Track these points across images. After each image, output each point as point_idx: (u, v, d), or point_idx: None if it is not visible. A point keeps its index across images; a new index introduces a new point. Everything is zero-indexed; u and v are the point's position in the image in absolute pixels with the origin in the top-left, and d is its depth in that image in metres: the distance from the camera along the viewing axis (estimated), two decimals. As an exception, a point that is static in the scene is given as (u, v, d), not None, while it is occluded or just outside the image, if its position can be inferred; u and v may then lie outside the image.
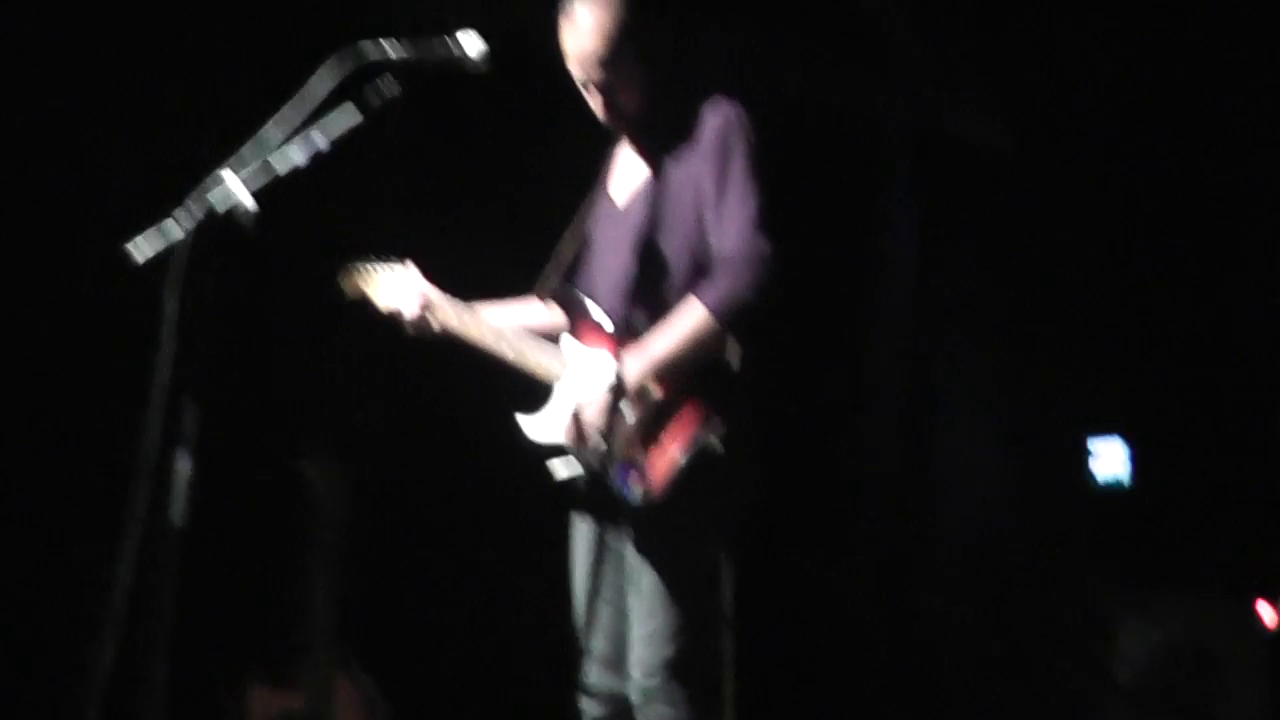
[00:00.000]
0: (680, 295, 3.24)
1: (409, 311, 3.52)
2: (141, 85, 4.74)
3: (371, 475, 4.37)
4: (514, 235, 3.71)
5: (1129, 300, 6.44)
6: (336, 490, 4.23)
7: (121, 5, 4.79)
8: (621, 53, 3.29)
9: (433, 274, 3.60)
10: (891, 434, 6.59)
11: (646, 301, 3.28)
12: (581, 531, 3.44)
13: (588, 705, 3.36)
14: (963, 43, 6.30)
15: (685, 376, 3.22)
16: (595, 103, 3.38)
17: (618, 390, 3.20)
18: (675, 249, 3.30)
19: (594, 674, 3.35)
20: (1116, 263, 6.53)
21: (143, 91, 4.74)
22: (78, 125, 4.67)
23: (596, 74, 3.32)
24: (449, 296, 3.55)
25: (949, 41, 6.27)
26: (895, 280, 6.59)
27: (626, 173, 3.50)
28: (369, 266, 3.65)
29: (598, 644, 3.34)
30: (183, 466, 2.85)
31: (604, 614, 3.32)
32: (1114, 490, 6.30)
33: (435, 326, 3.52)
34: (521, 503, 3.52)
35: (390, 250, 3.62)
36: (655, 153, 3.40)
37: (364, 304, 3.63)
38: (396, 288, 3.56)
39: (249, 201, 2.90)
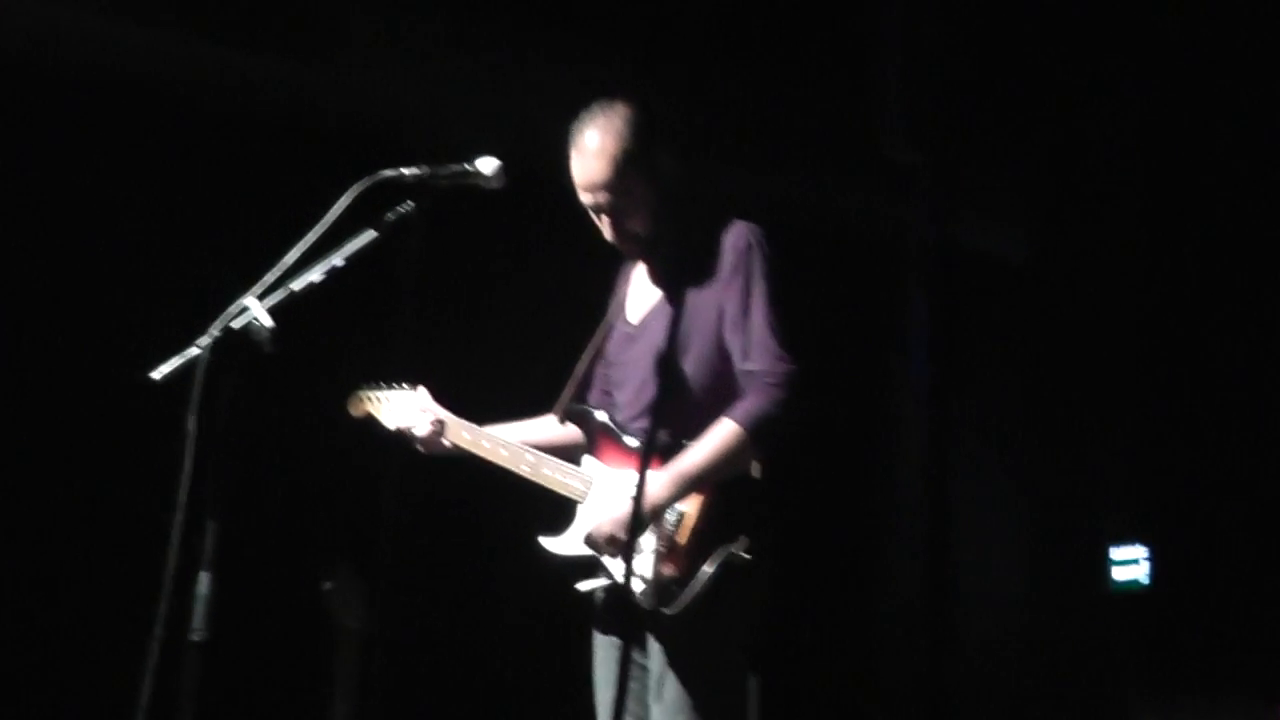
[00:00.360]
0: (699, 413, 3.26)
1: (419, 430, 3.53)
2: (172, 219, 4.88)
3: (393, 593, 4.35)
4: (531, 356, 3.73)
5: (1148, 407, 6.45)
6: (356, 605, 4.23)
7: (157, 141, 4.92)
8: (628, 179, 3.33)
9: (448, 397, 3.62)
10: (912, 545, 6.57)
11: (667, 419, 3.27)
12: (603, 644, 3.43)
13: None
14: (973, 156, 6.37)
15: (710, 491, 3.24)
16: (605, 228, 3.42)
17: (642, 504, 3.13)
18: (694, 368, 3.33)
19: None
20: (1134, 369, 6.54)
21: (173, 223, 4.87)
22: (109, 258, 4.80)
23: (604, 200, 3.36)
24: (461, 418, 3.57)
25: (958, 156, 6.34)
26: (911, 393, 6.61)
27: (641, 293, 3.53)
28: (375, 392, 3.67)
29: None
30: (204, 584, 2.85)
31: None
32: (1132, 593, 6.28)
33: (447, 444, 3.53)
34: (543, 616, 3.51)
35: (406, 371, 3.65)
36: (670, 273, 3.44)
37: (370, 424, 3.64)
38: (405, 409, 3.58)
39: (266, 320, 2.95)
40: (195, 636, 2.83)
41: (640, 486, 3.11)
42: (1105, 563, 6.38)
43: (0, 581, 4.68)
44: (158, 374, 2.92)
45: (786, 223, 3.75)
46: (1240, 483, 5.52)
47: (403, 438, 3.55)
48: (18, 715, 4.59)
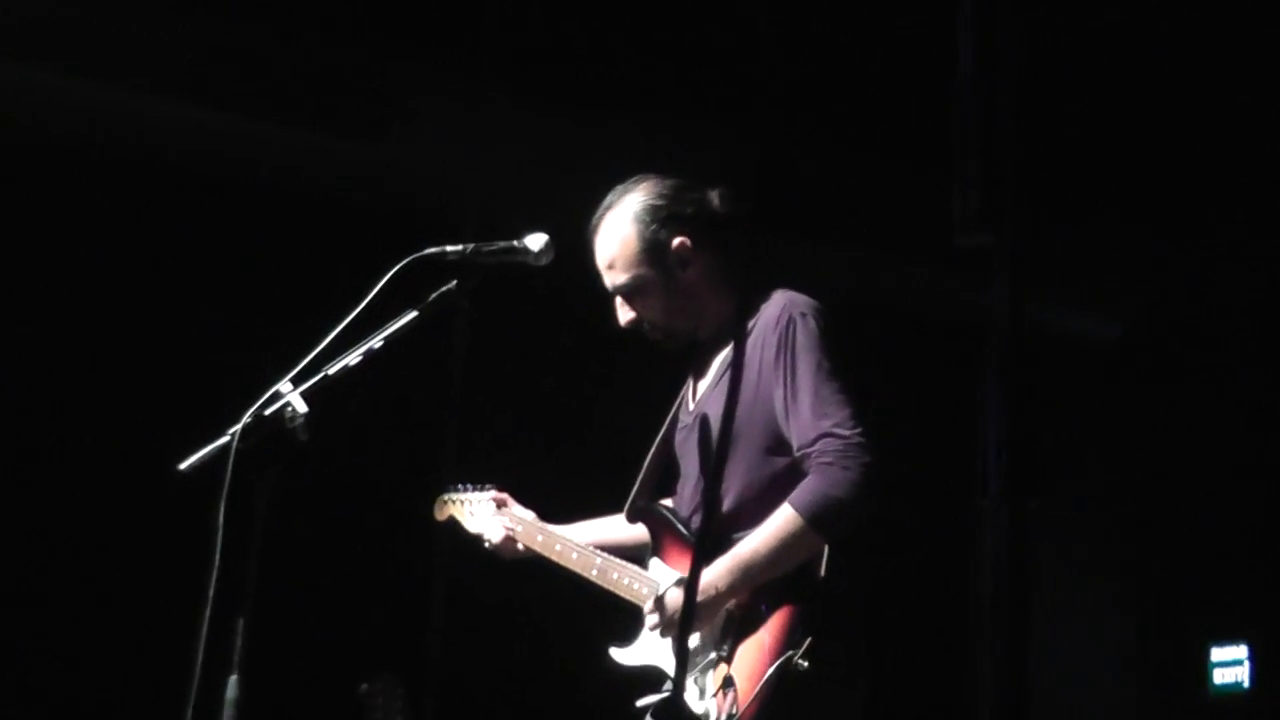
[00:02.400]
0: (764, 507, 3.15)
1: (495, 537, 3.58)
2: (209, 300, 4.91)
3: (432, 696, 4.29)
4: (604, 454, 3.70)
5: (1254, 497, 6.31)
6: (394, 710, 4.16)
7: (184, 218, 4.94)
8: (641, 267, 3.34)
9: (520, 494, 3.65)
10: (996, 642, 6.44)
11: (725, 513, 3.20)
12: None
13: None
14: (1054, 233, 6.28)
15: (772, 586, 3.13)
16: (622, 313, 3.41)
17: (694, 597, 3.11)
18: (750, 457, 3.24)
19: None
20: (1233, 462, 6.41)
21: (211, 305, 4.89)
22: (145, 340, 4.82)
23: (617, 284, 3.37)
24: (532, 516, 3.60)
25: (1034, 239, 6.25)
26: (989, 488, 6.51)
27: (701, 381, 3.48)
28: (455, 496, 3.71)
29: None
30: (232, 688, 2.79)
31: None
32: (1234, 695, 6.15)
33: (520, 549, 3.56)
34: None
35: (469, 467, 3.66)
36: (719, 357, 3.41)
37: (453, 529, 3.68)
38: (481, 514, 3.63)
39: (301, 406, 2.92)
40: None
41: (693, 578, 3.09)
42: (1206, 664, 6.27)
43: (27, 680, 4.68)
44: (185, 465, 2.89)
45: (864, 306, 3.68)
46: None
47: (479, 540, 3.62)
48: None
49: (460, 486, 3.70)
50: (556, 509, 3.61)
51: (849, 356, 3.21)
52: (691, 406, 3.46)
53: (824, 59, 5.27)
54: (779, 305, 3.26)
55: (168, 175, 5.09)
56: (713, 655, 3.16)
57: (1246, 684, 6.14)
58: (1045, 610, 6.52)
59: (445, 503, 3.72)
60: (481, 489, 3.66)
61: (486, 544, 3.59)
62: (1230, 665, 6.22)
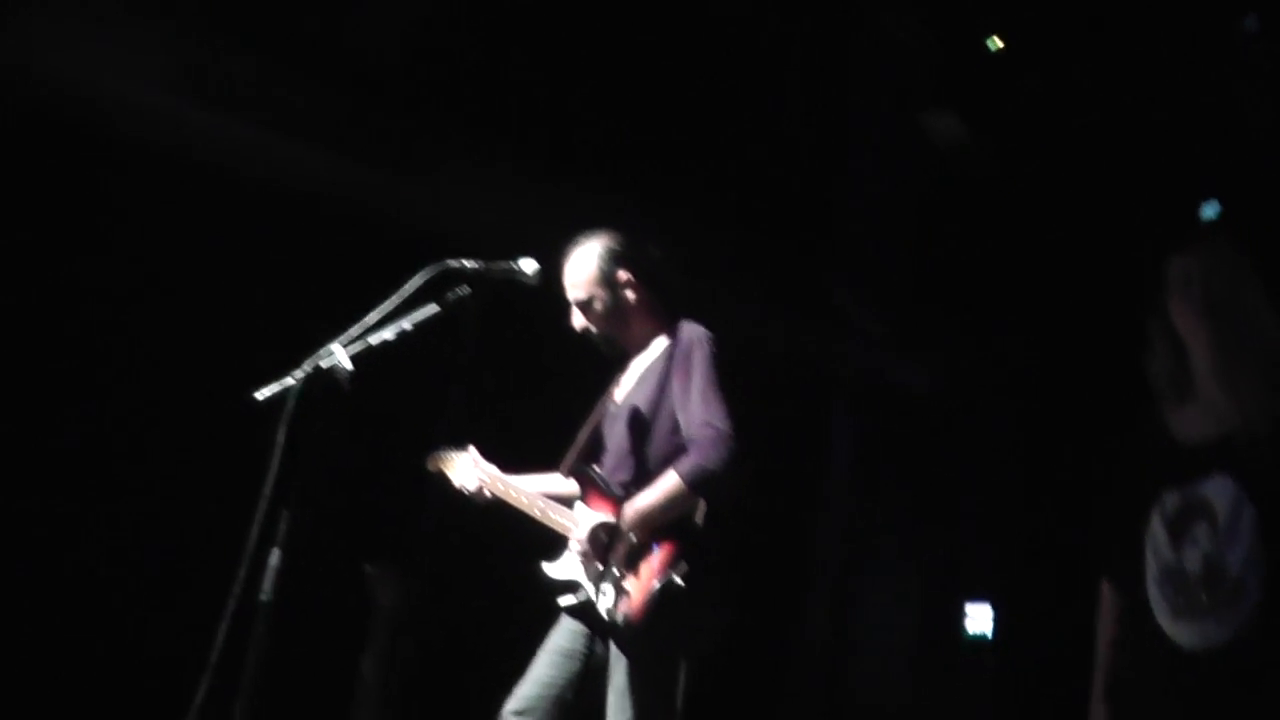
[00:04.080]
0: (660, 471, 3.23)
1: (470, 486, 3.57)
2: (289, 284, 4.95)
3: (423, 583, 4.30)
4: (549, 422, 3.74)
5: (1003, 502, 6.44)
6: (392, 589, 4.18)
7: (275, 226, 4.99)
8: (593, 287, 3.45)
9: (484, 446, 3.64)
10: (824, 599, 6.53)
11: (639, 476, 3.29)
12: (567, 623, 3.39)
13: None
14: (898, 309, 6.38)
15: (661, 527, 3.20)
16: (575, 318, 3.49)
17: (611, 533, 3.22)
18: (656, 438, 3.32)
19: (511, 704, 3.31)
20: (998, 478, 6.54)
21: (288, 288, 4.93)
22: (242, 311, 4.88)
23: (576, 297, 3.48)
24: (496, 470, 3.60)
25: (887, 307, 6.34)
26: (836, 484, 6.58)
27: (624, 381, 3.54)
28: (445, 453, 3.67)
29: (526, 688, 3.32)
30: (274, 558, 2.81)
31: (544, 677, 3.31)
32: (980, 644, 6.21)
33: (488, 495, 3.56)
34: (535, 615, 3.47)
35: (458, 426, 3.65)
36: (640, 364, 3.49)
37: (441, 479, 3.65)
38: (463, 468, 3.60)
39: (347, 364, 2.94)
40: (264, 597, 2.79)
41: (614, 521, 3.15)
42: (960, 616, 6.40)
43: (124, 548, 4.70)
44: (261, 395, 2.91)
45: (753, 349, 3.75)
46: (1067, 558, 5.51)
47: (460, 489, 3.59)
48: (123, 651, 4.58)
49: (447, 447, 3.66)
50: (513, 464, 3.63)
51: (728, 374, 3.30)
52: (619, 398, 3.52)
53: (740, 157, 5.36)
54: (688, 332, 3.36)
55: (262, 196, 5.11)
56: (615, 573, 3.21)
57: (989, 634, 6.29)
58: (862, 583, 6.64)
59: (438, 458, 3.68)
60: (463, 449, 3.63)
61: (464, 490, 3.58)
62: (978, 619, 6.37)
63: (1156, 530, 2.63)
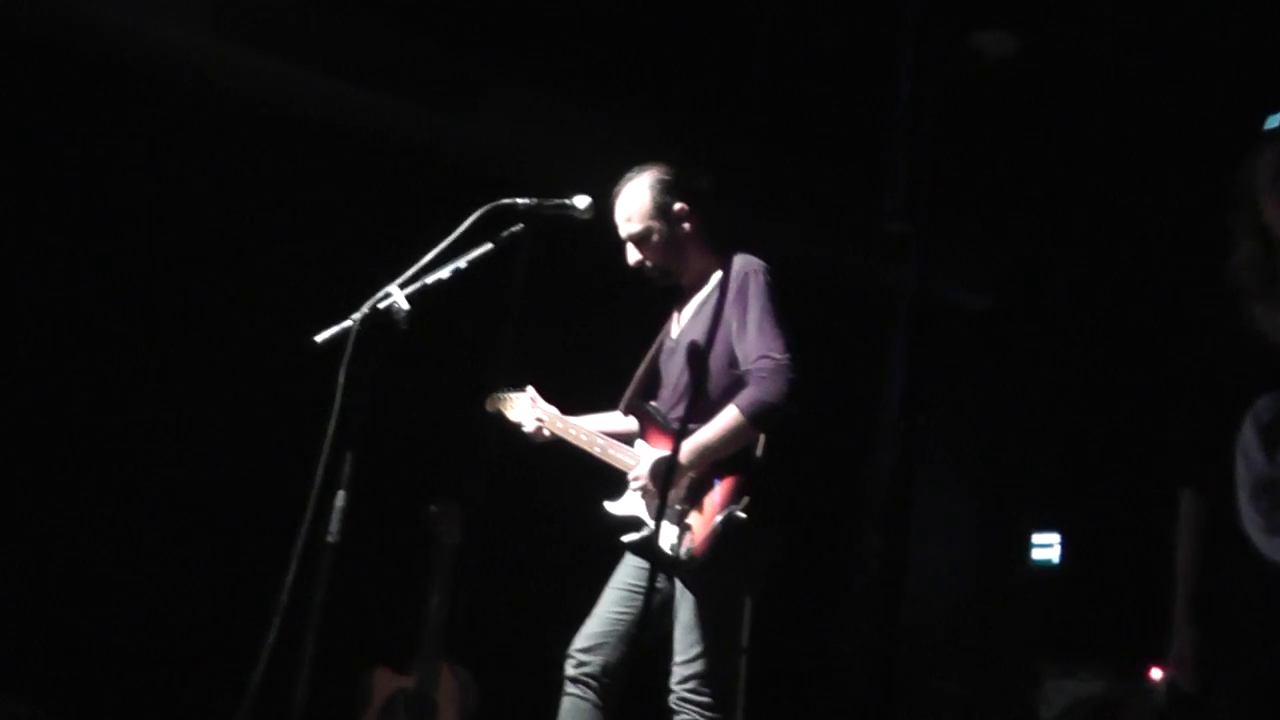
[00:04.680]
0: (720, 407, 3.21)
1: (528, 426, 3.57)
2: (345, 229, 4.98)
3: (482, 519, 4.35)
4: (608, 360, 3.74)
5: (1069, 426, 6.38)
6: (454, 526, 4.23)
7: (334, 171, 5.02)
8: (648, 220, 3.41)
9: (541, 386, 3.64)
10: (878, 525, 6.53)
11: (697, 411, 3.27)
12: (631, 560, 3.42)
13: (567, 664, 3.35)
14: (951, 226, 6.29)
15: (722, 462, 3.20)
16: (630, 254, 3.46)
17: (671, 467, 3.22)
18: (714, 372, 3.30)
19: (578, 642, 3.35)
20: (1060, 400, 6.48)
21: (345, 232, 4.96)
22: (299, 255, 4.92)
23: (631, 232, 3.44)
24: (554, 410, 3.59)
25: (940, 226, 6.26)
26: (890, 409, 6.55)
27: (682, 314, 3.53)
28: (503, 394, 3.67)
29: (592, 625, 3.35)
30: (339, 499, 2.85)
31: (610, 615, 3.34)
32: (1046, 571, 6.21)
33: (547, 434, 3.56)
34: (592, 550, 3.50)
35: (512, 364, 3.65)
36: (696, 299, 3.47)
37: (499, 419, 3.66)
38: (521, 408, 3.61)
39: (404, 304, 2.96)
40: (330, 539, 2.83)
41: (672, 457, 3.16)
42: (1027, 544, 6.35)
43: (193, 486, 4.78)
44: (320, 338, 2.92)
45: (805, 274, 3.72)
46: (1139, 488, 5.44)
47: (517, 428, 3.60)
48: (197, 590, 4.68)
49: (506, 388, 3.67)
50: (574, 403, 3.63)
51: (786, 304, 3.27)
52: (675, 334, 3.50)
53: (789, 84, 5.28)
54: (741, 263, 3.32)
55: (318, 137, 5.13)
56: (678, 509, 3.21)
57: (1056, 561, 6.26)
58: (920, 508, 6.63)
59: (495, 399, 3.69)
60: (521, 390, 3.63)
61: (524, 430, 3.58)
62: (1044, 547, 6.33)
63: (1249, 438, 2.43)
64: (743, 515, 3.12)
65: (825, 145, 5.67)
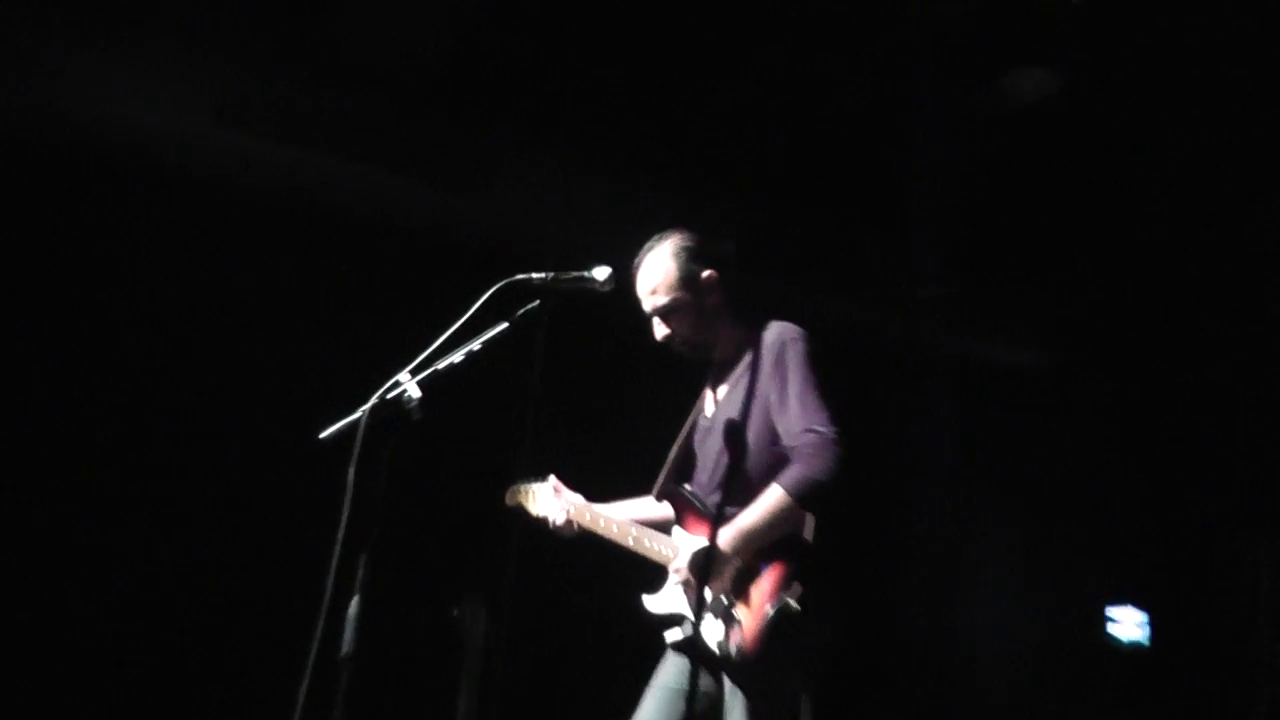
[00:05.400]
0: (762, 485, 3.03)
1: (555, 519, 3.42)
2: (348, 313, 4.89)
3: (510, 619, 4.17)
4: (637, 443, 3.56)
5: (1146, 491, 6.16)
6: (480, 628, 4.05)
7: (328, 251, 4.97)
8: (677, 292, 3.24)
9: (565, 474, 3.49)
10: (930, 604, 6.33)
11: (737, 493, 3.08)
12: (672, 659, 3.22)
13: None
14: (997, 281, 6.12)
15: (768, 547, 3.00)
16: (656, 329, 3.29)
17: (711, 556, 3.02)
18: (755, 449, 3.12)
19: None
20: (1132, 466, 6.25)
21: (357, 328, 4.87)
22: (299, 341, 4.85)
23: (655, 306, 3.26)
24: (581, 499, 3.45)
25: (980, 292, 6.09)
26: (934, 479, 6.35)
27: (716, 390, 3.35)
28: (524, 485, 3.53)
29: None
30: (354, 607, 2.68)
31: (654, 716, 3.14)
32: (1136, 651, 5.95)
33: (575, 528, 3.42)
34: (631, 649, 3.29)
35: (533, 453, 3.52)
36: (730, 373, 3.28)
37: (521, 514, 3.52)
38: (544, 500, 3.46)
39: (416, 392, 2.81)
40: (346, 650, 2.65)
41: (711, 545, 2.95)
42: (1103, 620, 6.12)
43: (194, 595, 4.67)
44: (325, 434, 2.78)
45: (853, 343, 3.56)
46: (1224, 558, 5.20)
47: (541, 522, 3.44)
48: (204, 704, 4.53)
49: (526, 479, 3.51)
50: (599, 492, 3.48)
51: (827, 373, 3.09)
52: (710, 411, 3.33)
53: (814, 150, 5.18)
54: (776, 332, 3.16)
55: (327, 221, 5.08)
56: (723, 601, 3.03)
57: (1143, 640, 6.02)
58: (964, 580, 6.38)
59: (515, 492, 3.54)
60: (542, 480, 3.48)
61: (550, 524, 3.42)
62: (1128, 625, 6.09)
63: None
64: (796, 605, 2.93)
65: (856, 207, 5.53)
